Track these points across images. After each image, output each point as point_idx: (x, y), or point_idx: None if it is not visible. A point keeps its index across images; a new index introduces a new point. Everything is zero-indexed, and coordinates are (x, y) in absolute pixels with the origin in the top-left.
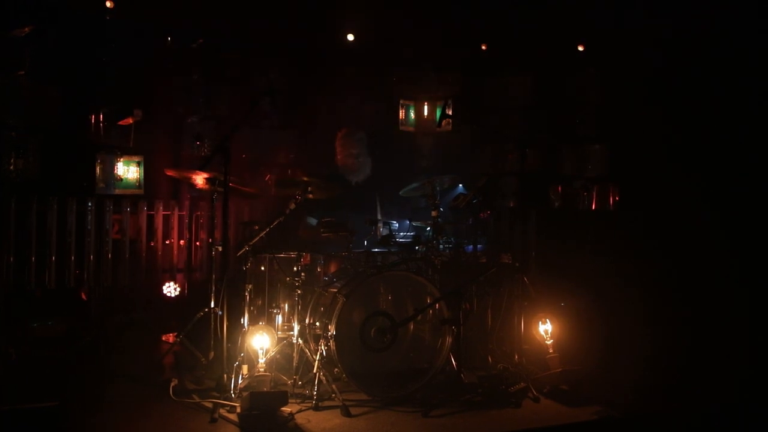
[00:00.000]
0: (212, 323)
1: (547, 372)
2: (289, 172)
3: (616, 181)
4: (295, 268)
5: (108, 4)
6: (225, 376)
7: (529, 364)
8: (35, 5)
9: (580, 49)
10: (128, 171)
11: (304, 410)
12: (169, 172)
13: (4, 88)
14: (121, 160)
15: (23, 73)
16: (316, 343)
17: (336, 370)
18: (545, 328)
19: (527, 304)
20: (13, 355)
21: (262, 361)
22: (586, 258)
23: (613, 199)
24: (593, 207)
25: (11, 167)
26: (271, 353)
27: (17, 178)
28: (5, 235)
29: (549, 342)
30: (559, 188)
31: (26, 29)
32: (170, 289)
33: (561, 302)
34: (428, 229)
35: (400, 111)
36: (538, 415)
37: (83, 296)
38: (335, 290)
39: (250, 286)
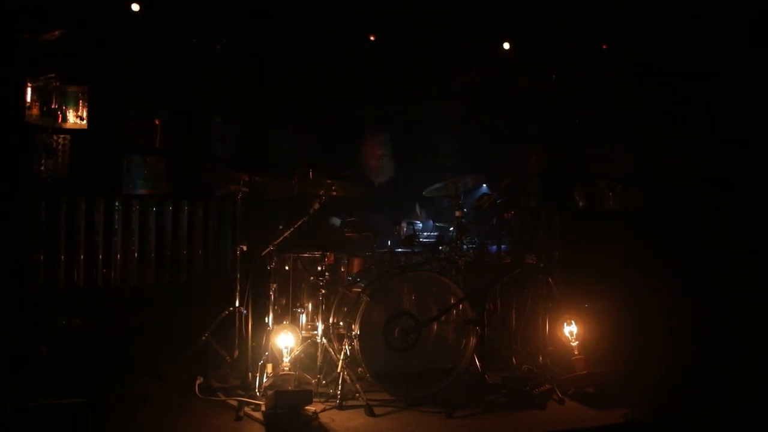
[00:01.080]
0: (237, 322)
1: (572, 374)
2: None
3: (641, 182)
4: (319, 268)
5: (134, 6)
6: (250, 374)
7: (554, 365)
8: (65, 9)
9: (603, 48)
10: (154, 171)
11: (328, 409)
12: (195, 173)
13: (36, 90)
14: (148, 160)
15: (54, 75)
16: (340, 342)
17: (360, 369)
18: (570, 330)
19: (552, 305)
20: (44, 351)
21: (286, 360)
22: (611, 259)
23: (639, 200)
24: (618, 207)
25: (42, 168)
26: (296, 352)
27: (47, 178)
28: (36, 235)
29: (574, 344)
30: (584, 189)
31: (56, 33)
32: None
33: (585, 303)
34: (452, 229)
35: (423, 111)
36: (563, 418)
37: (110, 295)
38: (359, 290)
39: (274, 286)
